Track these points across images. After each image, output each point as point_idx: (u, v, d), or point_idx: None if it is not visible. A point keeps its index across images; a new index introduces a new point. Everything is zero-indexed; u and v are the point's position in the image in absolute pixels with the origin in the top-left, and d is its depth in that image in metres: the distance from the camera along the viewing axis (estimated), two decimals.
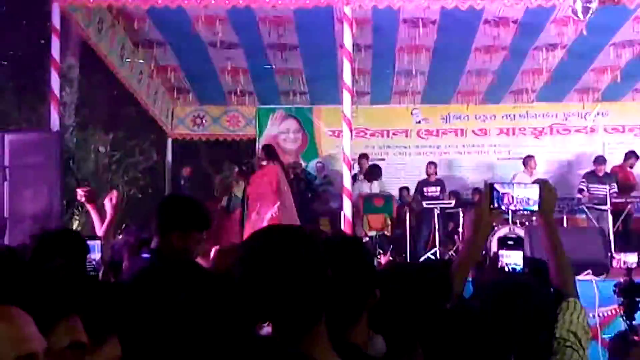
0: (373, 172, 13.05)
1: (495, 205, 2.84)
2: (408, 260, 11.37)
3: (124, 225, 16.66)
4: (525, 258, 3.19)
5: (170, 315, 1.56)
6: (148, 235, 4.18)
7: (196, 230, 3.56)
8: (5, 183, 8.56)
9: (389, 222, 12.26)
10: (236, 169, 12.16)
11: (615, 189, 12.03)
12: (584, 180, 12.35)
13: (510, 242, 3.19)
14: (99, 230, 4.54)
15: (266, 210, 10.45)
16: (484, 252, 3.71)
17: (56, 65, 9.26)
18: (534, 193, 2.84)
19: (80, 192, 4.76)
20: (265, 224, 9.78)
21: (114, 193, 4.64)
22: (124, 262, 4.48)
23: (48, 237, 3.60)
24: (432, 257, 11.48)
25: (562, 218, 12.18)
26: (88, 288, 1.93)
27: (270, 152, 11.18)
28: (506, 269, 3.17)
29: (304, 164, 14.20)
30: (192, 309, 1.54)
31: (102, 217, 4.58)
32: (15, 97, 16.12)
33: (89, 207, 4.78)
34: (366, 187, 12.80)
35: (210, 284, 1.61)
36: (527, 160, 13.02)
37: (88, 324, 1.59)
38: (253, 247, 1.88)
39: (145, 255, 3.64)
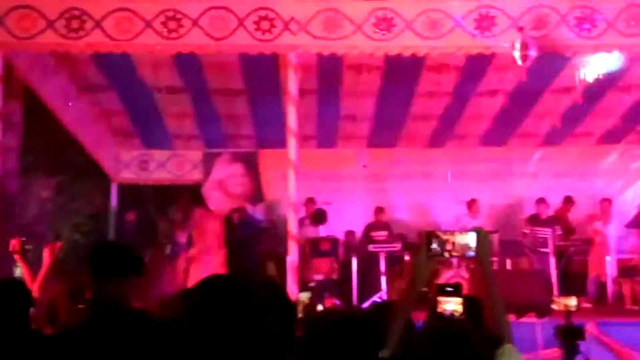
0: (319, 217, 13.08)
1: (435, 250, 2.89)
2: (355, 304, 11.38)
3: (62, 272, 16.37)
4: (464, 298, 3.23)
5: None
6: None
7: (131, 275, 3.45)
8: None
9: (336, 266, 12.26)
10: (179, 215, 12.11)
11: (560, 232, 12.22)
12: (527, 223, 12.53)
13: (449, 289, 3.22)
14: (29, 282, 4.50)
15: (211, 258, 10.41)
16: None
17: None
18: (472, 240, 2.89)
19: (13, 243, 4.71)
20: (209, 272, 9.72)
21: (57, 245, 4.61)
22: (59, 313, 4.38)
23: None
24: (379, 300, 11.48)
25: (505, 262, 12.31)
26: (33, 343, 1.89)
27: (196, 198, 11.19)
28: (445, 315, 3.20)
29: (250, 208, 14.15)
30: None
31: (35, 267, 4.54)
32: None
33: (17, 258, 4.73)
34: (312, 232, 12.80)
35: (154, 332, 1.60)
36: (471, 204, 13.18)
37: None
38: (195, 297, 1.88)
39: (80, 306, 3.57)
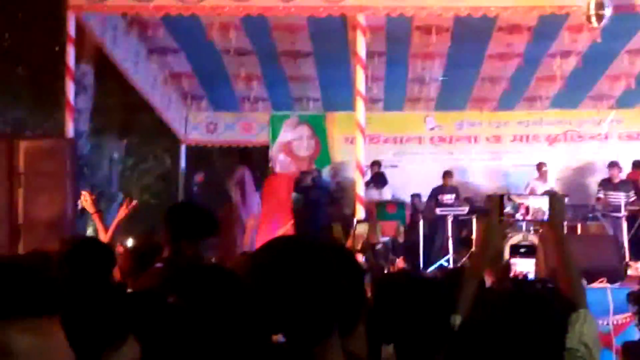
0: (379, 180, 13.10)
1: (508, 214, 2.85)
2: (421, 267, 11.37)
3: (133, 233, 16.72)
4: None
5: (196, 320, 1.57)
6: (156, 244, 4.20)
7: (206, 237, 3.57)
8: (20, 190, 8.60)
9: (402, 229, 12.26)
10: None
11: (633, 197, 11.98)
12: (600, 187, 12.31)
13: (523, 250, 3.19)
14: (103, 237, 4.58)
15: (278, 220, 10.52)
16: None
17: (70, 72, 9.31)
18: (545, 204, 2.85)
19: (83, 198, 4.81)
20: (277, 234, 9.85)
21: (133, 203, 4.70)
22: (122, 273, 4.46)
23: (77, 246, 3.63)
24: (446, 263, 11.47)
25: (576, 226, 12.13)
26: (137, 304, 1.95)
27: (244, 156, 11.33)
28: (519, 277, 3.17)
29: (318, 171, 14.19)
30: (218, 314, 1.56)
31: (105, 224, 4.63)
32: (30, 104, 16.22)
33: (95, 217, 4.82)
34: (375, 194, 12.80)
35: (235, 288, 1.62)
36: (540, 167, 13.00)
37: (107, 325, 1.58)
38: (266, 258, 1.89)
39: (158, 265, 3.65)
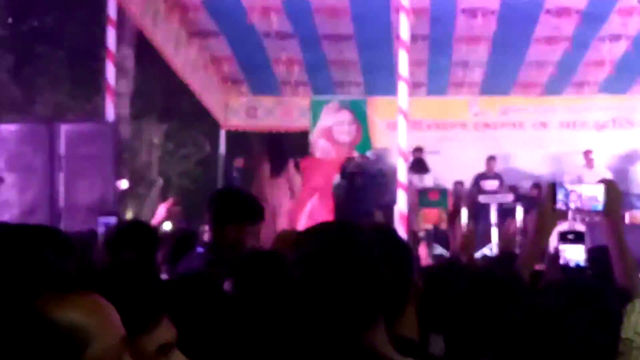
0: (420, 166, 12.90)
1: (560, 203, 2.75)
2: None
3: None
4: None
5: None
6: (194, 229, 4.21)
7: (249, 223, 3.53)
8: (61, 173, 8.62)
9: (444, 216, 12.08)
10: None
11: None
12: None
13: (571, 237, 3.06)
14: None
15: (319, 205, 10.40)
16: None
17: (111, 55, 9.27)
18: (599, 192, 2.73)
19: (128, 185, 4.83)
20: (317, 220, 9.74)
21: (174, 206, 4.69)
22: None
23: (122, 227, 3.63)
24: (489, 252, 11.26)
25: (623, 215, 11.84)
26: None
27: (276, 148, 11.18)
28: (569, 265, 3.06)
29: (361, 157, 14.02)
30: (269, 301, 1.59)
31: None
32: (70, 87, 16.30)
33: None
34: (416, 181, 12.62)
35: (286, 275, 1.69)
36: (587, 155, 12.74)
37: (143, 307, 1.53)
38: (311, 243, 1.86)
39: (199, 249, 3.64)
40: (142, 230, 3.73)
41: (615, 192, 2.80)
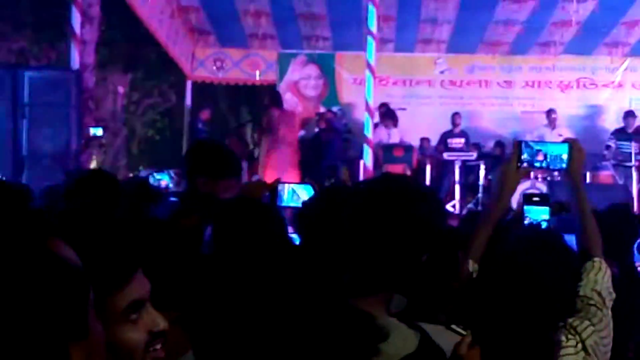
0: (390, 116, 12.88)
1: (526, 162, 2.77)
2: None
3: (140, 167, 16.67)
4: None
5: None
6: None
7: (225, 177, 3.50)
8: (24, 121, 8.52)
9: (409, 173, 12.14)
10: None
11: None
12: (612, 136, 12.16)
13: (536, 199, 3.11)
14: None
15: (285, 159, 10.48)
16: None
17: (77, 2, 9.13)
18: (564, 151, 2.76)
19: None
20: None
21: None
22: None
23: (82, 177, 3.55)
24: (451, 209, 11.40)
25: (585, 175, 12.01)
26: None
27: (275, 99, 11.22)
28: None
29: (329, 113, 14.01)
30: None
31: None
32: (34, 34, 15.99)
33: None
34: (384, 134, 12.63)
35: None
36: (550, 114, 12.84)
37: (115, 262, 1.41)
38: (372, 192, 1.87)
39: (172, 199, 3.60)
40: (103, 179, 3.64)
41: (579, 152, 2.80)
